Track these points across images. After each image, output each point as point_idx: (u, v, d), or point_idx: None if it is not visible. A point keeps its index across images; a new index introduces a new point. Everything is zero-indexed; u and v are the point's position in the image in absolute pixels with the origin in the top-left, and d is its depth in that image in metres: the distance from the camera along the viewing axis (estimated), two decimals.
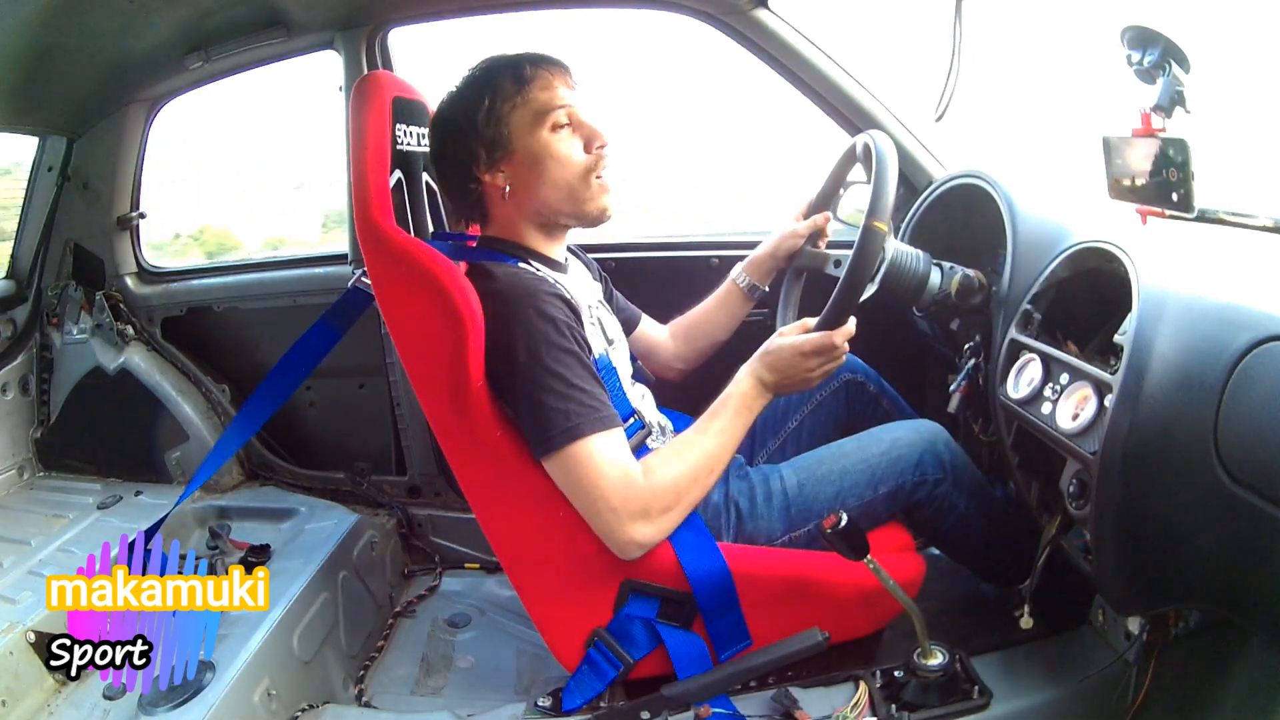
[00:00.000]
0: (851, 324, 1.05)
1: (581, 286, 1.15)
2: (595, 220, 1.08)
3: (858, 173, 1.33)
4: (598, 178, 1.05)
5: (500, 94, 1.02)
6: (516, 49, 1.09)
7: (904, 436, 1.15)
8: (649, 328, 1.38)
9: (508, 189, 1.04)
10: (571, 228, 1.11)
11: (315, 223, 3.21)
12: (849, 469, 1.13)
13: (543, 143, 1.02)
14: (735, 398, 1.04)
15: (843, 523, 0.95)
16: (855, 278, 1.06)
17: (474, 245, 1.12)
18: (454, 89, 1.07)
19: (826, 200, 1.33)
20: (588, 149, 1.05)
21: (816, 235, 1.31)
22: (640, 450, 1.07)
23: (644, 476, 0.97)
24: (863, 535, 0.96)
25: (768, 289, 1.35)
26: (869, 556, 0.97)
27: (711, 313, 1.36)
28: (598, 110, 1.06)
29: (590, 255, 1.32)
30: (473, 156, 1.03)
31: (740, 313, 1.36)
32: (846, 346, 1.05)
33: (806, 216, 1.32)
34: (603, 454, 0.95)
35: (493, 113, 1.02)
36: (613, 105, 1.13)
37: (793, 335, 1.06)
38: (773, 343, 1.06)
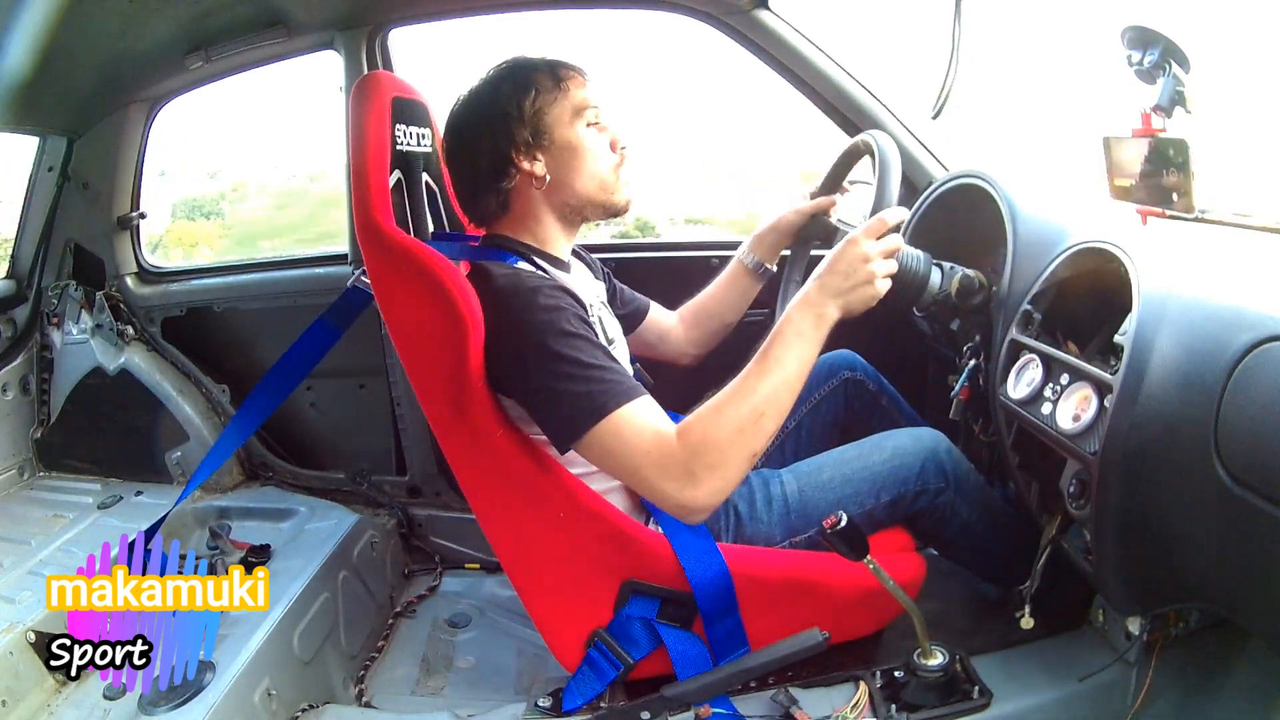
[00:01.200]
0: (902, 211, 1.01)
1: (584, 285, 1.15)
2: (620, 210, 1.11)
3: (858, 173, 1.33)
4: (623, 174, 1.10)
5: (542, 87, 1.05)
6: (518, 50, 1.10)
7: (905, 445, 1.15)
8: (659, 315, 1.38)
9: (548, 177, 1.05)
10: (592, 220, 1.13)
11: (164, 211, 3.12)
12: (850, 476, 1.13)
13: (580, 135, 1.06)
14: (787, 324, 0.96)
15: (843, 523, 0.95)
16: (887, 178, 1.05)
17: (476, 245, 1.13)
18: (484, 83, 1.08)
19: (834, 183, 1.33)
20: (612, 148, 1.09)
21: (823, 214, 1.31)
22: None
23: (681, 437, 0.92)
24: (863, 536, 0.96)
25: (775, 267, 1.35)
26: (869, 557, 0.97)
27: (720, 294, 1.37)
28: (616, 115, 1.11)
29: (591, 255, 1.32)
30: (513, 143, 1.04)
31: (749, 292, 1.36)
32: (898, 240, 0.99)
33: (814, 196, 1.32)
34: (632, 423, 0.92)
35: (537, 102, 1.04)
36: (620, 106, 1.15)
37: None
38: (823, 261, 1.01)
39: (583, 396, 0.92)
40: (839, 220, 1.34)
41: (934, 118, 1.32)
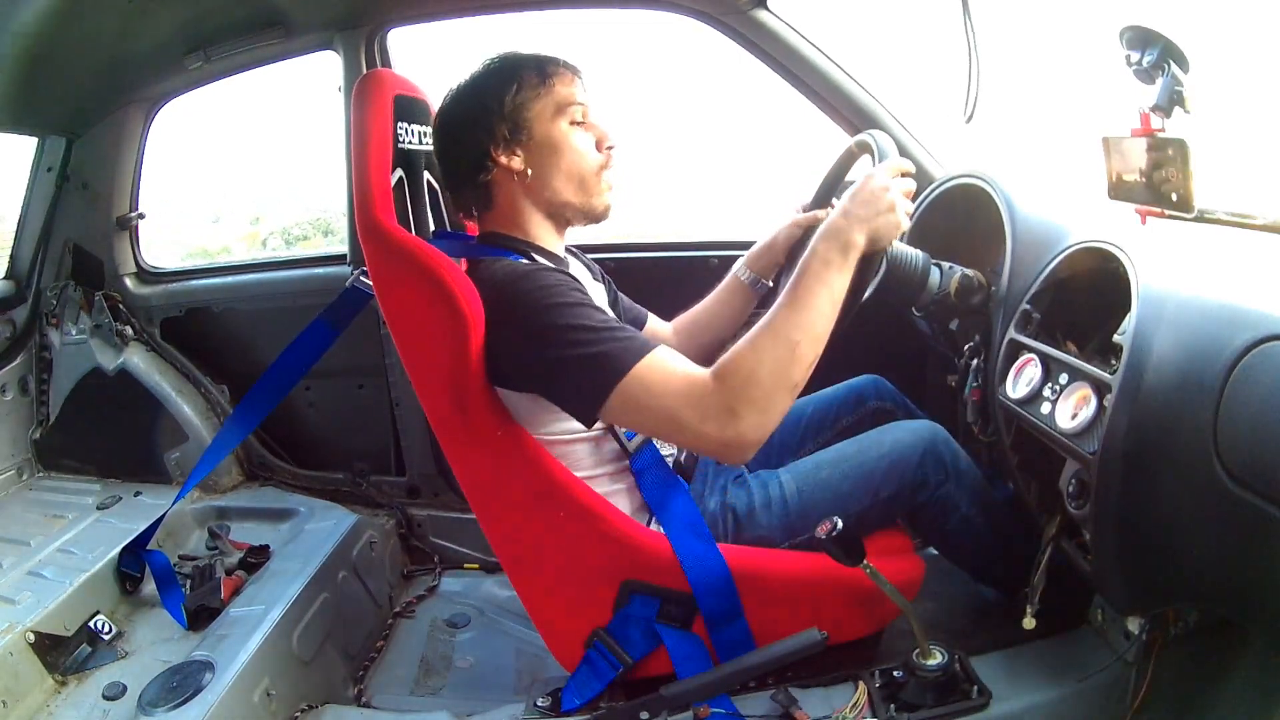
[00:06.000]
0: (907, 163, 1.01)
1: (583, 281, 1.15)
2: (599, 216, 1.10)
3: (857, 173, 1.33)
4: (606, 176, 1.08)
5: (525, 82, 1.05)
6: (518, 50, 1.10)
7: (904, 439, 1.14)
8: (655, 326, 1.37)
9: (529, 172, 1.05)
10: (574, 224, 1.12)
11: None
12: (849, 473, 1.12)
13: (561, 132, 1.05)
14: (812, 256, 0.94)
15: (837, 529, 0.94)
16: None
17: (474, 243, 1.12)
18: (472, 76, 1.08)
19: (827, 195, 1.33)
20: (598, 148, 1.08)
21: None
22: (646, 447, 1.08)
23: (718, 377, 0.89)
24: (858, 541, 0.96)
25: (772, 284, 1.34)
26: (865, 562, 0.96)
27: (716, 309, 1.35)
28: (606, 114, 1.10)
29: (590, 256, 1.31)
30: (491, 137, 1.04)
31: (745, 309, 1.35)
32: (912, 185, 0.99)
33: (807, 210, 1.32)
34: (657, 373, 0.90)
35: (518, 97, 1.04)
36: (615, 107, 1.15)
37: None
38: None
39: (600, 358, 0.90)
40: None
41: (967, 122, 1.31)
